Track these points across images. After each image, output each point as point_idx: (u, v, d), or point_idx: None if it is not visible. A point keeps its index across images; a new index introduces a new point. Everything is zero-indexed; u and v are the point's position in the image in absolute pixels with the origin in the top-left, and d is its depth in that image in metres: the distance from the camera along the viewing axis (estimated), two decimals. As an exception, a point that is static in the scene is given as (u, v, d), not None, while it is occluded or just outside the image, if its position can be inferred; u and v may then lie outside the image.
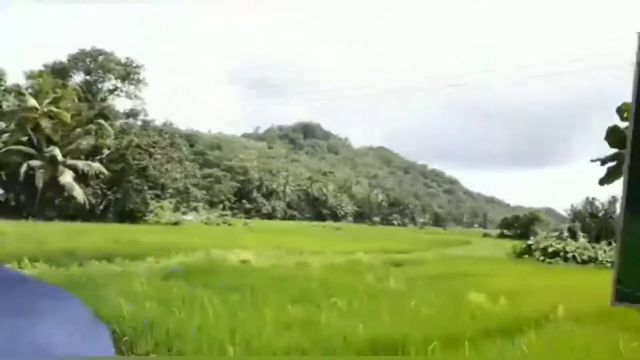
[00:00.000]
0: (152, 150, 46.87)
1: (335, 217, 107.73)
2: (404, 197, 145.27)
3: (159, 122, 54.51)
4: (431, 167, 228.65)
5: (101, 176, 41.10)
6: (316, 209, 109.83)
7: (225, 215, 60.95)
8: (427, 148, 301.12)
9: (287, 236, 32.94)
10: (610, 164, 33.40)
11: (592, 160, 38.35)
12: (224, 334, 5.95)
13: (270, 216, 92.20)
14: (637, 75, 3.36)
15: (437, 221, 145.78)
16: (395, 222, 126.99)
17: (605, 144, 26.56)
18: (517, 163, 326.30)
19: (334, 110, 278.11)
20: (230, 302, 7.96)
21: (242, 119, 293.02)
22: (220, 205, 77.09)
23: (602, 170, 34.95)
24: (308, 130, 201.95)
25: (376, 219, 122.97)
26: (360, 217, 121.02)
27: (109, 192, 42.45)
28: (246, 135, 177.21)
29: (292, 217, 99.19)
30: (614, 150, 31.28)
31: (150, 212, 45.23)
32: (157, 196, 47.74)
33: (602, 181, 37.06)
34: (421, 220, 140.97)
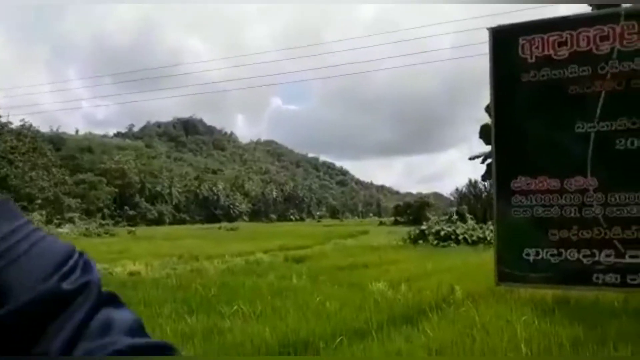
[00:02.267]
0: (11, 157, 42.70)
1: (230, 217, 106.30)
2: (299, 191, 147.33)
3: (16, 125, 49.35)
4: (322, 159, 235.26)
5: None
6: (208, 210, 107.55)
7: (106, 224, 57.41)
8: (314, 140, 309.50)
9: (179, 242, 31.89)
10: (489, 161, 36.88)
11: (470, 158, 42.08)
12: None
13: (157, 222, 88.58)
14: (491, 70, 3.69)
15: (334, 213, 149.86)
16: (292, 217, 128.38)
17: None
18: (402, 151, 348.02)
19: (214, 104, 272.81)
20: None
21: (111, 116, 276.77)
22: (99, 214, 72.61)
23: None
24: (189, 127, 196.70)
25: (273, 215, 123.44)
26: (256, 215, 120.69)
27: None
28: (120, 135, 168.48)
29: (182, 221, 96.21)
30: (488, 148, 34.64)
31: (17, 227, 41.20)
32: (24, 209, 43.64)
33: (485, 177, 40.74)
34: (318, 213, 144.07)
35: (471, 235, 26.26)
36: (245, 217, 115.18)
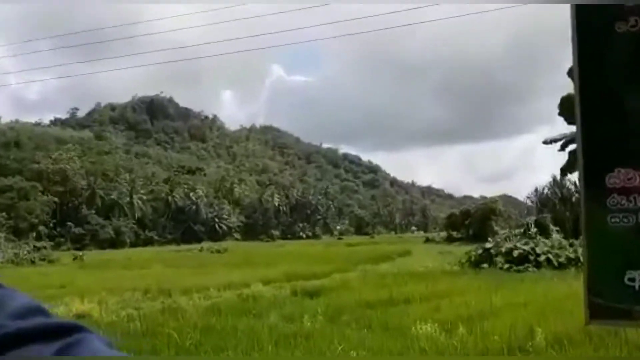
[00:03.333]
0: None
1: (215, 234, 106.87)
2: (311, 196, 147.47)
3: None
4: (342, 152, 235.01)
5: None
6: (184, 225, 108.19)
7: (43, 247, 58.05)
8: (331, 124, 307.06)
9: (144, 271, 32.17)
10: (572, 147, 36.06)
11: (545, 142, 41.40)
12: None
13: (114, 243, 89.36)
14: (574, 18, 3.66)
15: (360, 227, 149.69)
16: (302, 234, 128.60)
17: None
18: (456, 137, 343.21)
19: (189, 77, 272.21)
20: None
21: (48, 96, 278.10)
22: (33, 233, 73.39)
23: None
24: (156, 109, 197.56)
25: (275, 232, 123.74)
26: (251, 231, 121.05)
27: None
28: (58, 122, 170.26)
29: (149, 241, 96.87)
30: (573, 129, 34.10)
31: None
32: None
33: (564, 170, 40.21)
34: (338, 227, 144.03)
35: (557, 256, 26.13)
36: (236, 235, 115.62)
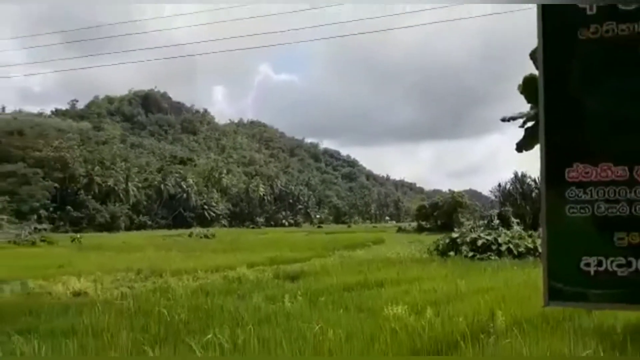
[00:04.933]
0: None
1: (204, 220, 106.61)
2: (293, 187, 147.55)
3: None
4: (323, 147, 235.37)
5: None
6: (175, 211, 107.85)
7: (43, 229, 57.61)
8: (313, 120, 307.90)
9: (138, 253, 32.07)
10: (530, 124, 36.25)
11: (503, 120, 41.44)
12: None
13: (109, 227, 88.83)
14: (540, 26, 3.71)
15: (339, 216, 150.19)
16: (285, 221, 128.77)
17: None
18: (427, 135, 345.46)
19: (181, 73, 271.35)
20: (66, 352, 7.68)
21: (49, 89, 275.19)
22: (34, 216, 72.70)
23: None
24: (150, 103, 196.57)
25: (260, 219, 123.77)
26: (237, 218, 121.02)
27: None
28: (59, 113, 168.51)
29: (142, 226, 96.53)
30: (531, 108, 34.23)
31: None
32: None
33: (520, 147, 40.24)
34: (318, 216, 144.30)
35: (517, 246, 26.34)
36: (223, 221, 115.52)
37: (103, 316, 10.48)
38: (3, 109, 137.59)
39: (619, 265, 3.56)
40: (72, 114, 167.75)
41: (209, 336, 8.36)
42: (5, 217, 57.21)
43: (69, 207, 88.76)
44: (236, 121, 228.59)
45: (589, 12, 3.61)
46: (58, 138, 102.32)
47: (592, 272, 3.63)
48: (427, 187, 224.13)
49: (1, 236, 46.78)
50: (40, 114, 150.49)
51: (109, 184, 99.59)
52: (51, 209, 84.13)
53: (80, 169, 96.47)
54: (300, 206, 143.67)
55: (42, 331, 9.27)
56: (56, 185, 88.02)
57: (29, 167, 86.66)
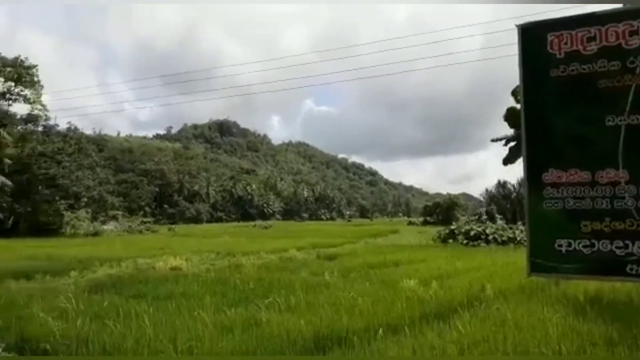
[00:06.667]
0: (59, 157, 44.08)
1: (264, 215, 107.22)
2: (329, 191, 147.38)
3: (62, 127, 50.86)
4: (351, 160, 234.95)
5: (6, 189, 38.00)
6: (243, 208, 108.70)
7: (148, 222, 58.69)
8: (344, 141, 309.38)
9: (217, 239, 32.42)
10: (512, 144, 35.90)
11: (492, 140, 41.05)
12: (165, 342, 5.82)
13: (195, 220, 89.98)
14: (520, 66, 3.70)
15: (363, 213, 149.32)
16: (323, 216, 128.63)
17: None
18: (431, 152, 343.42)
19: (248, 106, 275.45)
20: (166, 311, 7.77)
21: (149, 119, 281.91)
22: (141, 212, 74.21)
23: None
24: (224, 128, 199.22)
25: (304, 214, 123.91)
26: (288, 214, 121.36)
27: (17, 206, 39.36)
28: (158, 137, 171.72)
29: (219, 219, 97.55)
30: (514, 131, 33.55)
31: (67, 223, 42.52)
32: (71, 206, 45.01)
33: (506, 161, 39.74)
34: (348, 212, 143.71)
35: (501, 235, 25.83)
36: (278, 216, 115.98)
37: (193, 285, 10.61)
38: (118, 133, 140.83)
39: (584, 246, 3.53)
40: (168, 137, 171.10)
41: (270, 299, 8.41)
42: (120, 212, 58.51)
43: (166, 206, 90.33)
44: (287, 142, 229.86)
45: (558, 56, 3.62)
46: (158, 155, 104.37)
47: (563, 251, 3.60)
48: (431, 191, 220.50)
49: (119, 227, 47.86)
50: (145, 137, 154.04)
51: (194, 188, 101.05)
52: (153, 206, 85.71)
53: (173, 178, 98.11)
54: (334, 205, 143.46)
55: (149, 296, 9.44)
56: (156, 189, 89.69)
57: (137, 176, 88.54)
